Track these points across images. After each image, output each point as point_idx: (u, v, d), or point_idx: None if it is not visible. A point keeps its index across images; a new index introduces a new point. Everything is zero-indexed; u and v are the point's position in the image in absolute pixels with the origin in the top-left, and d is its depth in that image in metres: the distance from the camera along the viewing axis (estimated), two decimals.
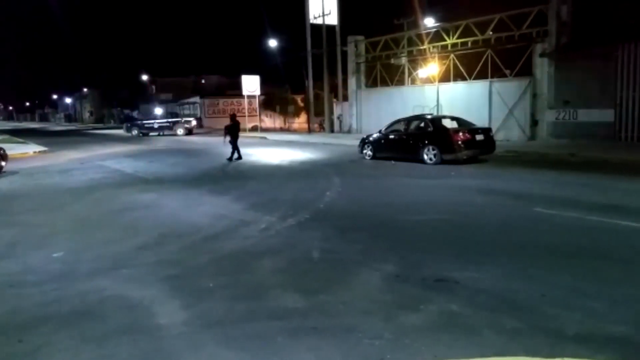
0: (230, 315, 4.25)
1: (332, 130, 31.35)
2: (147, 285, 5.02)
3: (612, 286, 4.58)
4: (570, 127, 18.72)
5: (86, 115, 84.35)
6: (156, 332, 3.98)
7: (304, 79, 33.07)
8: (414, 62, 26.22)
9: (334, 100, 32.04)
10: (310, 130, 32.85)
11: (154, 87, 59.94)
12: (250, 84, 34.61)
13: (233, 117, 17.66)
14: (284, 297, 4.60)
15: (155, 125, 35.15)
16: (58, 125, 77.48)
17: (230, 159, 16.73)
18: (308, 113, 33.87)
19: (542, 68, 19.62)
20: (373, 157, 15.88)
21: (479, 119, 18.17)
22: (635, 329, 3.75)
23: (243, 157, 17.01)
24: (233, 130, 17.18)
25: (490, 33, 21.51)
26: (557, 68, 19.17)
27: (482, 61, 21.72)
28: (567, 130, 18.76)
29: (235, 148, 16.96)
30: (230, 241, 6.58)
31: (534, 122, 20.04)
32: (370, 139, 16.25)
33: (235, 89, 41.81)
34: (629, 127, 17.40)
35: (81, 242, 6.87)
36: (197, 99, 47.69)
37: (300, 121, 40.16)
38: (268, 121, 43.38)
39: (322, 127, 33.82)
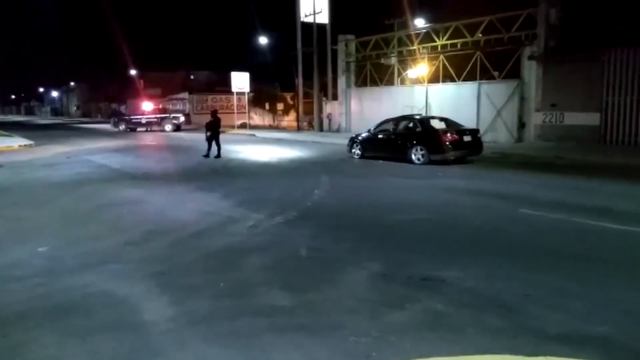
0: (216, 312, 4.25)
1: (321, 129, 31.36)
2: (133, 282, 5.00)
3: (594, 287, 4.65)
4: (557, 130, 18.93)
5: (73, 109, 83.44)
6: (142, 329, 3.96)
7: (294, 77, 33.04)
8: (404, 63, 26.32)
9: (324, 98, 32.05)
10: (299, 129, 32.84)
11: (142, 81, 59.47)
12: (240, 81, 34.49)
13: (214, 113, 17.37)
14: (270, 294, 4.61)
15: (143, 121, 34.89)
16: (44, 118, 76.56)
17: (206, 155, 16.43)
18: (297, 111, 33.87)
19: (530, 71, 19.81)
20: (362, 156, 15.92)
21: (467, 120, 18.28)
22: (615, 329, 3.81)
23: (231, 154, 16.95)
24: (213, 127, 16.91)
25: (480, 35, 21.66)
26: (545, 71, 19.37)
27: (471, 63, 21.86)
28: (554, 132, 18.96)
29: (215, 144, 16.63)
30: (218, 238, 6.57)
31: (521, 125, 20.23)
32: (359, 138, 16.30)
33: (224, 86, 41.62)
34: (614, 130, 17.64)
35: (67, 237, 6.82)
36: (185, 94, 47.36)
37: (290, 119, 40.11)
38: (257, 118, 43.26)
39: (311, 126, 33.81)
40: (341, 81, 29.24)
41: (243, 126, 37.28)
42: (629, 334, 3.74)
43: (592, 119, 18.04)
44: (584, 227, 6.86)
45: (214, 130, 16.81)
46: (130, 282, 5.00)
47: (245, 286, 4.82)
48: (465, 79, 22.41)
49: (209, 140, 16.63)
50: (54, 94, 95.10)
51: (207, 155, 16.38)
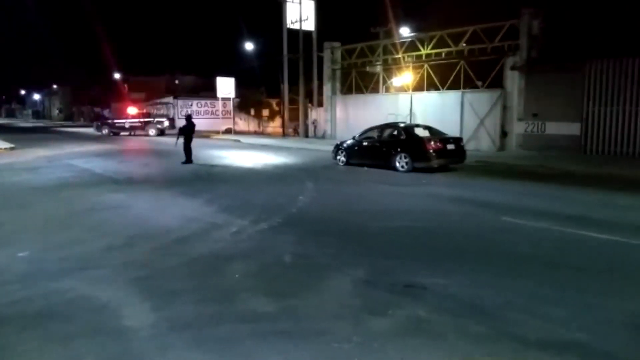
0: (199, 318, 4.23)
1: (306, 135, 31.42)
2: (115, 287, 4.96)
3: (573, 294, 4.73)
4: (538, 139, 19.22)
5: (55, 112, 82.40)
6: (123, 334, 3.93)
7: (280, 83, 33.09)
8: (389, 71, 26.55)
9: (309, 105, 32.15)
10: (284, 135, 32.86)
11: (126, 85, 59.01)
12: (225, 86, 34.44)
13: (189, 118, 17.16)
14: (254, 300, 4.61)
15: (127, 125, 34.62)
16: (26, 121, 75.46)
17: (187, 161, 16.26)
18: (283, 117, 33.90)
19: (513, 81, 20.12)
20: (346, 163, 15.98)
21: (450, 129, 18.49)
22: (593, 335, 3.88)
23: (216, 159, 16.87)
24: (187, 132, 16.67)
25: (464, 45, 21.95)
26: (527, 81, 19.69)
27: (455, 72, 22.15)
28: (535, 142, 19.25)
29: (187, 150, 16.41)
30: (201, 244, 6.54)
31: (504, 134, 20.51)
32: (344, 145, 16.37)
33: (209, 90, 41.52)
34: (595, 140, 17.97)
35: (47, 242, 6.73)
36: (170, 99, 47.14)
37: (275, 125, 40.12)
38: (242, 124, 43.20)
39: (296, 132, 33.85)
40: (327, 88, 29.37)
41: (228, 131, 37.19)
42: (606, 340, 3.81)
43: (573, 128, 18.37)
44: (563, 235, 6.97)
45: (187, 136, 16.59)
46: (111, 287, 4.95)
47: (228, 292, 4.81)
48: (449, 88, 22.68)
49: (185, 145, 16.49)
50: (36, 96, 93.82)
51: (189, 161, 16.28)
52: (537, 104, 19.32)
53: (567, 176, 13.41)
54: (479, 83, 22.31)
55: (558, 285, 4.98)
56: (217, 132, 35.69)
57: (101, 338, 3.86)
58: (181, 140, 16.63)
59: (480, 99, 21.17)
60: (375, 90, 27.24)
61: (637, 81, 16.94)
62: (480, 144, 20.88)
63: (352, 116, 27.12)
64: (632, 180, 12.42)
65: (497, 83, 20.96)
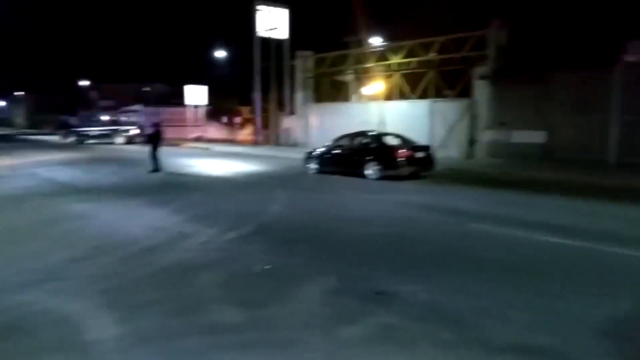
0: (165, 330, 4.16)
1: (278, 143, 31.36)
2: (80, 299, 4.83)
3: (539, 299, 4.83)
4: (506, 147, 19.62)
5: (19, 120, 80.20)
6: (88, 348, 3.83)
7: (251, 91, 32.99)
8: (360, 80, 26.76)
9: (281, 113, 32.13)
10: (256, 143, 32.72)
11: (94, 93, 57.97)
12: (195, 94, 34.16)
13: (156, 125, 16.96)
14: (222, 311, 4.55)
15: (93, 133, 33.93)
16: None
17: (155, 169, 16.03)
18: (255, 125, 33.76)
19: (481, 90, 20.52)
20: (318, 171, 16.01)
21: (420, 137, 18.72)
22: (559, 339, 3.97)
23: (185, 168, 16.66)
24: (154, 140, 16.45)
25: (433, 54, 22.32)
26: (495, 91, 20.12)
27: (425, 81, 22.48)
28: (503, 150, 19.65)
29: (155, 158, 16.16)
30: (169, 254, 6.44)
31: (472, 142, 20.88)
32: (316, 153, 16.40)
33: (180, 98, 41.09)
34: (560, 149, 18.45)
35: (9, 253, 6.52)
36: (139, 107, 46.45)
37: (247, 133, 39.92)
38: (213, 132, 42.84)
39: (268, 140, 33.74)
40: (299, 96, 29.43)
41: (198, 139, 36.84)
42: (572, 343, 3.90)
43: (538, 136, 18.83)
44: (529, 241, 7.12)
45: (154, 143, 16.38)
46: (76, 299, 4.83)
47: (196, 303, 4.74)
48: (419, 97, 22.98)
49: (152, 153, 16.26)
50: (0, 103, 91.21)
51: (156, 170, 16.12)
52: (504, 113, 19.74)
53: (532, 183, 13.72)
54: (449, 92, 22.67)
55: (524, 290, 5.07)
56: (187, 140, 35.31)
57: (66, 352, 3.76)
58: (142, 147, 16.35)
59: (450, 108, 21.52)
60: (347, 99, 27.42)
61: (600, 91, 17.49)
62: (449, 152, 21.17)
63: (324, 124, 27.21)
64: (594, 187, 12.79)
65: (466, 92, 21.33)
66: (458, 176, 15.62)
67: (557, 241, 7.03)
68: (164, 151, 16.91)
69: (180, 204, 10.23)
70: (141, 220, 8.63)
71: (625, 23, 18.71)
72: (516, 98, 19.40)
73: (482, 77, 20.32)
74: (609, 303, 4.75)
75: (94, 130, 34.13)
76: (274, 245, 6.94)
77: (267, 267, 5.85)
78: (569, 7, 20.29)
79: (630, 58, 17.85)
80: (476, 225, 8.07)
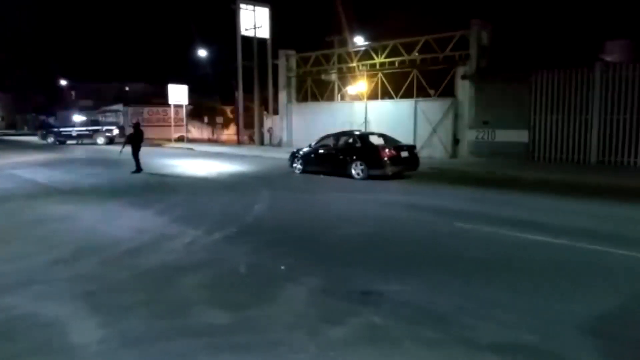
0: (150, 333, 4.12)
1: (262, 143, 31.30)
2: (62, 302, 4.77)
3: (523, 297, 4.90)
4: (489, 146, 19.84)
5: None
6: (71, 352, 3.79)
7: (234, 90, 32.86)
8: (344, 79, 26.84)
9: (265, 113, 32.07)
10: (239, 143, 32.61)
11: (73, 92, 57.21)
12: (178, 94, 33.89)
13: (137, 126, 16.82)
14: (207, 313, 4.53)
15: (74, 133, 33.47)
16: None
17: (137, 171, 15.93)
18: (237, 125, 33.64)
19: (464, 89, 20.71)
20: (303, 171, 16.01)
21: (404, 136, 18.85)
22: (543, 337, 4.03)
23: (167, 168, 16.53)
24: (135, 140, 16.32)
25: (416, 54, 22.46)
26: (477, 90, 20.32)
27: (408, 81, 22.59)
28: (486, 149, 19.86)
29: (136, 159, 16.07)
30: (152, 256, 6.39)
31: (456, 141, 21.06)
32: (300, 153, 16.40)
33: (161, 98, 40.72)
34: (542, 147, 18.71)
35: None
36: (120, 106, 45.94)
37: (230, 133, 39.77)
38: (195, 132, 42.60)
39: (252, 140, 33.65)
40: (282, 96, 29.39)
41: (180, 139, 36.58)
42: (556, 342, 3.96)
43: (521, 136, 19.07)
44: (512, 239, 7.22)
45: (134, 144, 16.24)
46: (58, 303, 4.76)
47: (181, 305, 4.72)
48: (403, 96, 23.11)
49: (134, 154, 16.15)
50: None
51: (138, 170, 15.99)
52: (487, 112, 19.96)
53: (515, 182, 13.90)
54: (432, 92, 22.86)
55: (508, 288, 5.14)
56: (169, 140, 35.04)
57: (47, 357, 3.71)
58: (127, 148, 16.24)
59: (433, 108, 21.68)
60: (330, 98, 27.47)
61: (580, 91, 17.78)
62: (433, 152, 21.36)
63: (308, 124, 27.22)
64: (575, 186, 13.01)
65: (449, 92, 21.53)
66: (442, 175, 15.76)
67: (542, 239, 7.13)
68: (146, 152, 16.76)
69: (163, 205, 10.15)
70: (124, 222, 8.55)
71: (605, 23, 19.04)
72: (499, 97, 19.62)
73: (465, 77, 20.52)
74: (593, 300, 4.84)
75: (74, 130, 33.69)
76: (259, 246, 6.92)
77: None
78: (551, 8, 20.59)
79: (608, 58, 18.20)
80: (461, 224, 8.14)
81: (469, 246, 6.88)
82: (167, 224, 8.35)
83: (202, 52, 36.22)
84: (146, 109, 45.25)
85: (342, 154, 15.10)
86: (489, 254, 6.45)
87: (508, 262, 6.13)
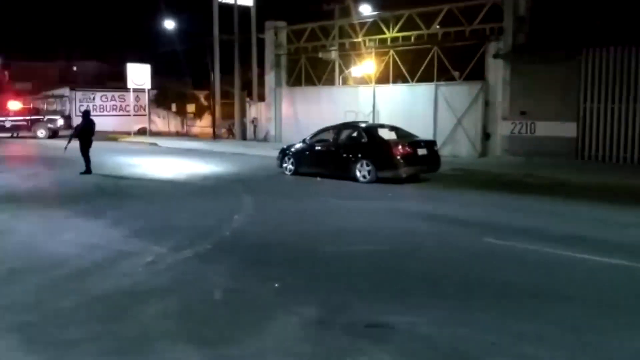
0: None
1: (244, 137, 31.32)
2: None
3: (568, 331, 4.89)
4: (527, 143, 19.82)
5: None
6: None
7: (210, 71, 32.88)
8: (347, 58, 26.86)
9: (248, 99, 32.09)
10: (215, 136, 32.63)
11: (7, 73, 57.12)
12: (139, 75, 33.91)
13: (86, 115, 16.84)
14: (174, 350, 4.52)
15: (7, 124, 33.41)
16: None
17: (86, 171, 15.90)
18: (214, 114, 33.66)
19: (496, 71, 20.73)
20: (295, 172, 16.03)
21: (422, 130, 18.86)
22: None
23: (125, 168, 16.52)
24: (85, 134, 16.28)
25: (437, 27, 22.51)
26: (513, 72, 20.31)
27: (427, 60, 22.61)
28: (524, 145, 19.84)
29: (86, 157, 16.04)
30: (105, 279, 6.38)
31: (486, 136, 21.09)
32: (292, 150, 16.42)
33: (118, 80, 40.76)
34: (593, 144, 18.66)
35: None
36: (66, 90, 45.91)
37: (204, 124, 39.79)
38: (161, 123, 42.60)
39: (231, 133, 33.69)
40: (269, 78, 29.41)
41: (142, 132, 36.58)
42: None
43: (568, 129, 19.02)
44: (554, 259, 7.22)
45: (84, 138, 16.21)
46: None
47: (140, 340, 4.70)
48: (420, 80, 23.14)
49: (83, 151, 16.11)
50: None
51: (87, 171, 15.97)
52: (525, 99, 19.94)
53: (560, 187, 13.91)
54: (456, 74, 22.88)
55: (551, 320, 5.13)
56: (129, 134, 35.04)
57: None
58: (75, 143, 16.22)
59: (458, 94, 21.73)
60: (330, 82, 27.50)
61: None
62: (457, 149, 21.39)
63: (302, 114, 27.26)
64: (637, 192, 13.02)
65: (477, 74, 21.54)
66: (469, 178, 15.78)
67: (593, 259, 7.14)
68: (99, 148, 16.73)
69: (119, 215, 10.15)
70: (69, 236, 8.53)
71: None
72: (540, 81, 19.58)
73: (498, 56, 20.53)
74: None
75: (8, 120, 33.62)
76: (239, 266, 6.92)
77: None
78: None
79: None
80: (493, 240, 8.15)
81: (502, 267, 6.88)
82: (125, 238, 8.34)
83: (169, 24, 36.23)
84: (99, 94, 45.24)
85: (344, 152, 15.12)
86: (526, 277, 6.45)
87: (550, 287, 6.13)
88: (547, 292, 5.95)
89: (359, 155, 14.68)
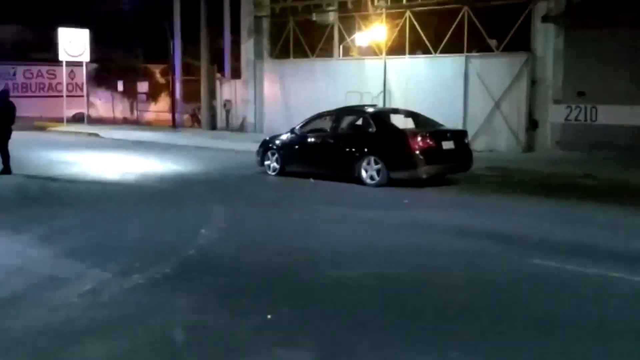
0: None
1: (213, 126, 31.30)
2: None
3: None
4: (587, 133, 19.82)
5: None
6: None
7: (168, 38, 32.86)
8: (349, 22, 26.83)
9: (218, 76, 32.07)
10: (176, 125, 32.61)
11: None
12: (74, 44, 33.83)
13: (3, 96, 16.84)
14: None
15: None
16: None
17: (5, 170, 16.04)
18: (173, 95, 33.66)
19: (546, 40, 20.75)
20: (281, 172, 16.04)
21: (448, 116, 18.87)
22: None
23: (56, 166, 16.49)
24: (2, 121, 16.30)
25: None
26: (568, 40, 20.31)
27: (454, 25, 22.61)
28: (582, 137, 19.83)
29: (3, 153, 16.16)
30: (30, 313, 6.34)
31: (533, 124, 21.09)
32: (278, 142, 16.41)
33: (46, 51, 40.70)
34: None
35: None
36: None
37: (160, 109, 39.72)
38: (103, 107, 42.57)
39: (196, 120, 33.68)
40: (247, 48, 29.40)
41: (79, 119, 36.55)
42: None
43: (638, 116, 19.01)
44: (628, 285, 7.22)
45: (1, 126, 16.22)
46: None
47: None
48: (446, 51, 23.14)
49: (0, 144, 16.07)
50: None
51: (6, 170, 15.98)
52: (584, 77, 19.96)
53: (632, 192, 13.92)
54: (493, 43, 22.85)
55: None
56: (61, 121, 34.97)
57: None
58: None
59: (495, 69, 21.75)
60: (327, 53, 27.51)
61: None
62: (495, 141, 21.39)
63: (290, 95, 27.25)
64: None
65: (521, 44, 21.56)
66: (510, 180, 15.80)
67: None
68: (21, 139, 16.67)
69: (48, 229, 10.14)
70: None
71: None
72: (603, 53, 19.59)
73: (548, 19, 20.53)
74: None
75: None
76: (206, 296, 6.90)
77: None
78: None
79: None
80: (542, 262, 8.15)
81: (556, 297, 6.87)
82: (56, 259, 8.32)
83: None
84: (20, 69, 45.15)
85: (345, 145, 15.12)
86: (590, 310, 6.44)
87: (616, 322, 6.12)
88: (616, 330, 5.93)
89: (365, 150, 14.66)
